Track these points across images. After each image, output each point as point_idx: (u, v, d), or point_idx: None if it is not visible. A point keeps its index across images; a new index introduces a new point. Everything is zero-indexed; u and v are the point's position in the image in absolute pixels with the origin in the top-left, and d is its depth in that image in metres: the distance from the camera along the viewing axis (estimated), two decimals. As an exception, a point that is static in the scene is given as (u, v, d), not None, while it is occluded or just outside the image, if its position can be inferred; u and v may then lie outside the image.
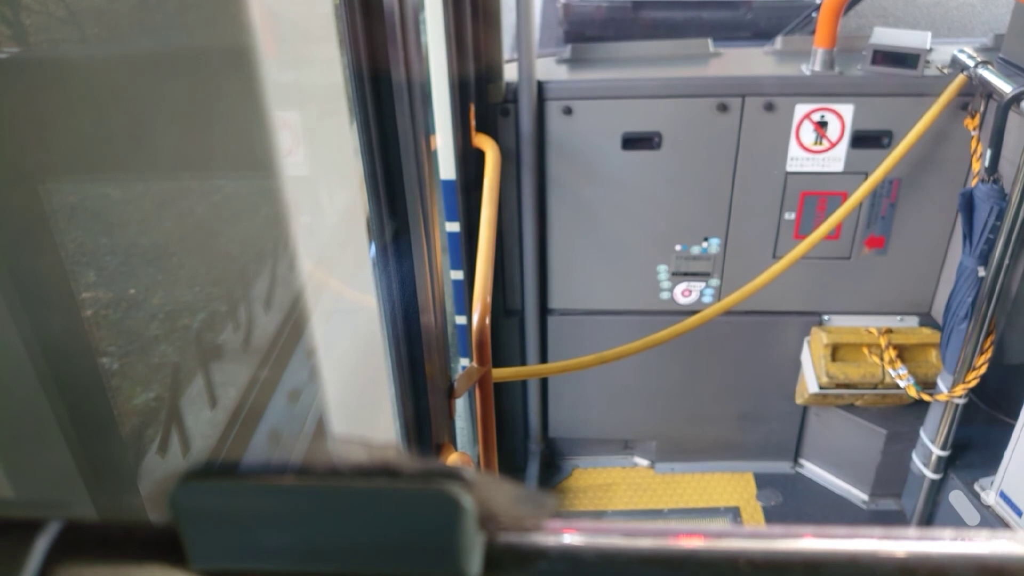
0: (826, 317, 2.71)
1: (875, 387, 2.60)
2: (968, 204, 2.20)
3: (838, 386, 2.61)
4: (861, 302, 2.68)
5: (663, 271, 2.67)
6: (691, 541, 0.30)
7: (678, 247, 2.63)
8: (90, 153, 0.93)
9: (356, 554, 0.29)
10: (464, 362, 2.54)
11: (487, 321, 1.68)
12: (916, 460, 2.63)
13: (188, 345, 2.15)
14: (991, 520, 2.33)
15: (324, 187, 1.37)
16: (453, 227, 2.31)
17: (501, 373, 2.12)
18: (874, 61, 2.33)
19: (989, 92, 2.20)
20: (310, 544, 0.29)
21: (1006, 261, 2.14)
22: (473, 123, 2.25)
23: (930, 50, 2.31)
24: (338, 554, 0.29)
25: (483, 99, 2.36)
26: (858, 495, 2.92)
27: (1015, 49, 2.25)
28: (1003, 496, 2.29)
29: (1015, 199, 2.06)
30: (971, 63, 2.22)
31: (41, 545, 0.30)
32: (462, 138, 2.16)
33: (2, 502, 0.68)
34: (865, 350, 2.63)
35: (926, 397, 2.48)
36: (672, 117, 2.41)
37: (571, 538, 0.30)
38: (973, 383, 2.34)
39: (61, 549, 0.30)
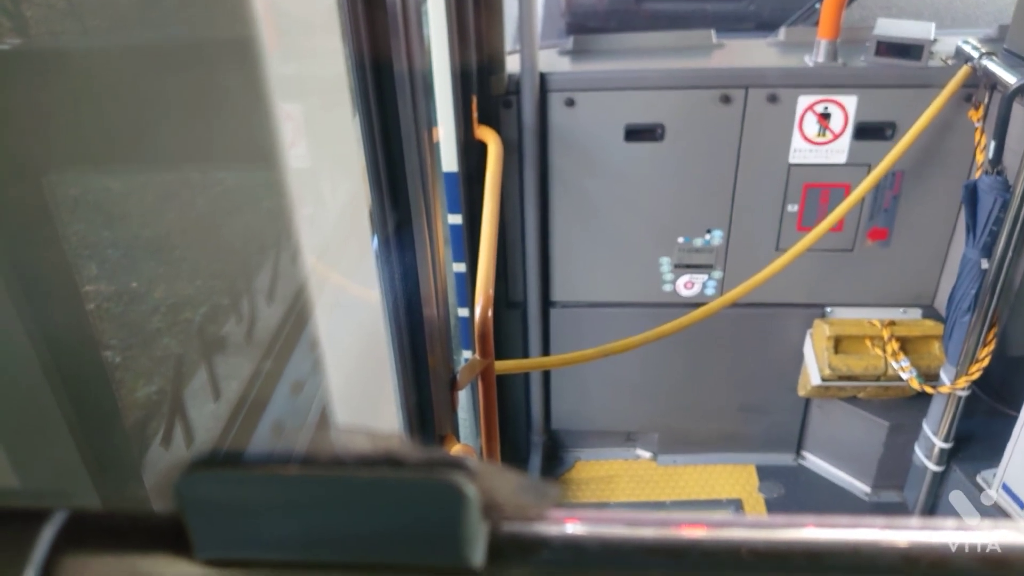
0: (829, 309, 2.71)
1: (878, 379, 2.60)
2: (972, 196, 2.19)
3: (841, 378, 2.61)
4: (864, 294, 2.67)
5: (666, 263, 2.67)
6: (694, 531, 0.30)
7: (681, 239, 2.62)
8: (92, 145, 0.93)
9: (360, 543, 0.29)
10: (467, 354, 2.54)
11: (489, 313, 1.68)
12: (918, 452, 2.64)
13: (191, 338, 2.16)
14: (993, 512, 2.34)
15: (326, 179, 1.37)
16: (455, 219, 2.31)
17: (503, 365, 2.13)
18: (878, 52, 2.32)
19: (993, 83, 2.19)
20: (314, 533, 0.29)
21: (1009, 253, 2.14)
22: (475, 115, 2.24)
23: (934, 41, 2.30)
24: (342, 543, 0.29)
25: (485, 91, 2.36)
26: (860, 487, 2.92)
27: (1020, 40, 2.24)
28: (1005, 488, 2.29)
29: (1019, 191, 2.06)
30: (975, 54, 2.21)
31: (47, 535, 0.30)
32: (464, 130, 2.16)
33: (8, 493, 0.68)
34: (868, 342, 2.62)
35: (929, 389, 2.48)
36: (675, 109, 2.40)
37: (574, 528, 0.30)
38: (976, 375, 2.34)
39: (67, 539, 0.31)
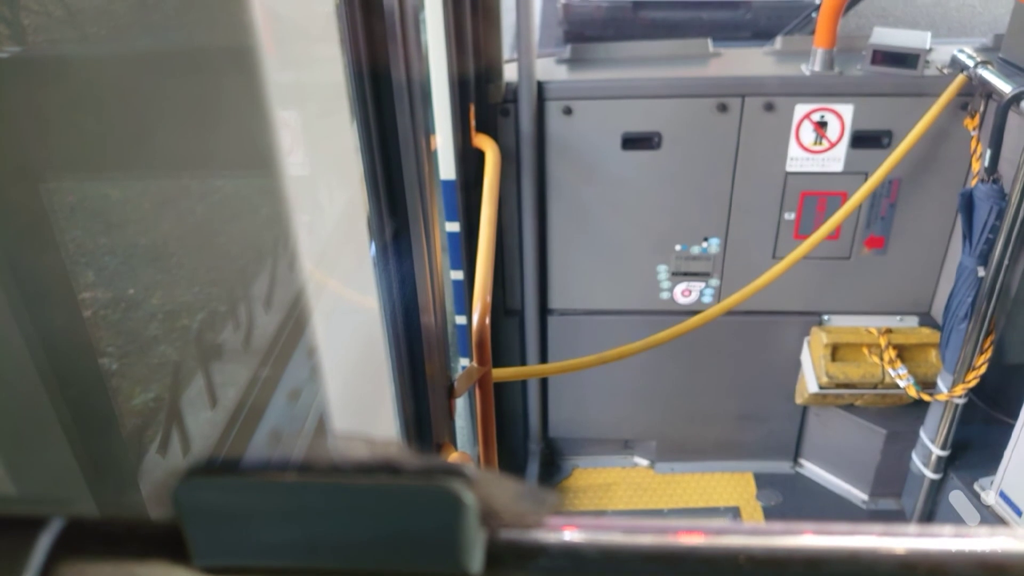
0: (826, 317, 2.71)
1: (875, 387, 2.60)
2: (968, 204, 2.20)
3: (838, 386, 2.61)
4: (861, 302, 2.68)
5: (663, 271, 2.67)
6: (691, 538, 0.30)
7: (678, 247, 2.63)
8: (90, 152, 0.93)
9: (358, 550, 0.29)
10: (464, 362, 2.54)
11: (487, 321, 1.68)
12: (916, 460, 2.63)
13: (188, 345, 2.15)
14: (991, 520, 2.33)
15: (324, 187, 1.37)
16: (453, 227, 2.31)
17: (501, 373, 2.12)
18: (874, 61, 2.33)
19: (989, 92, 2.20)
20: (312, 540, 0.29)
21: (1006, 261, 2.14)
22: (473, 123, 2.25)
23: (930, 50, 2.31)
24: (340, 550, 0.29)
25: (483, 99, 2.36)
26: (858, 495, 2.92)
27: (1015, 49, 2.25)
28: (1003, 496, 2.29)
29: (1015, 199, 2.06)
30: (971, 63, 2.22)
31: (44, 542, 0.30)
32: (462, 138, 2.16)
33: (5, 500, 0.68)
34: (865, 350, 2.63)
35: (926, 397, 2.48)
36: (672, 117, 2.41)
37: (572, 535, 0.30)
38: (973, 383, 2.34)
39: (64, 546, 0.30)
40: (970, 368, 2.32)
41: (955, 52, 2.33)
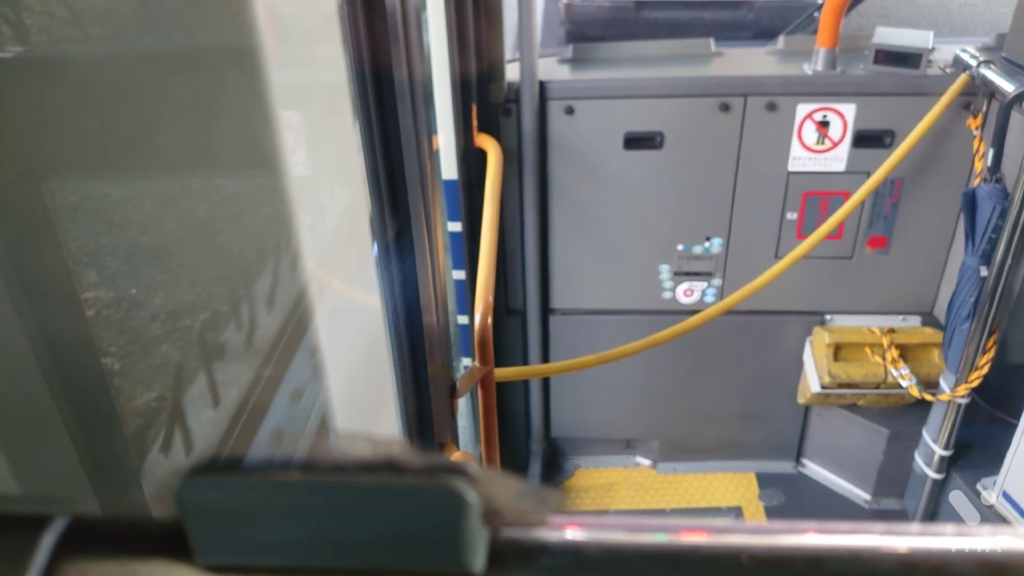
0: (828, 317, 2.71)
1: (877, 387, 2.60)
2: (970, 204, 2.19)
3: (840, 386, 2.60)
4: (863, 302, 2.67)
5: (665, 271, 2.67)
6: (694, 536, 0.30)
7: (680, 247, 2.62)
8: (93, 152, 0.93)
9: (360, 549, 0.29)
10: (466, 361, 2.54)
11: (489, 321, 1.68)
12: (918, 460, 2.63)
13: (190, 345, 2.16)
14: (993, 520, 2.33)
15: (326, 187, 1.37)
16: (455, 227, 2.31)
17: (503, 372, 2.12)
18: (876, 60, 2.33)
19: (991, 91, 2.20)
20: (315, 539, 0.29)
21: (1008, 260, 2.14)
22: (475, 123, 2.25)
23: (932, 49, 2.31)
24: (342, 549, 0.29)
25: (485, 99, 2.36)
26: (860, 495, 2.92)
27: (1017, 48, 2.25)
28: (1005, 496, 2.28)
29: (1017, 198, 2.06)
30: (973, 62, 2.22)
31: (47, 541, 0.30)
32: (464, 138, 2.16)
33: (8, 498, 0.68)
34: (867, 350, 2.62)
35: (928, 397, 2.48)
36: (674, 117, 2.41)
37: (574, 533, 0.30)
38: (975, 383, 2.34)
39: (67, 545, 0.31)
40: (973, 368, 2.32)
41: (957, 51, 2.33)
